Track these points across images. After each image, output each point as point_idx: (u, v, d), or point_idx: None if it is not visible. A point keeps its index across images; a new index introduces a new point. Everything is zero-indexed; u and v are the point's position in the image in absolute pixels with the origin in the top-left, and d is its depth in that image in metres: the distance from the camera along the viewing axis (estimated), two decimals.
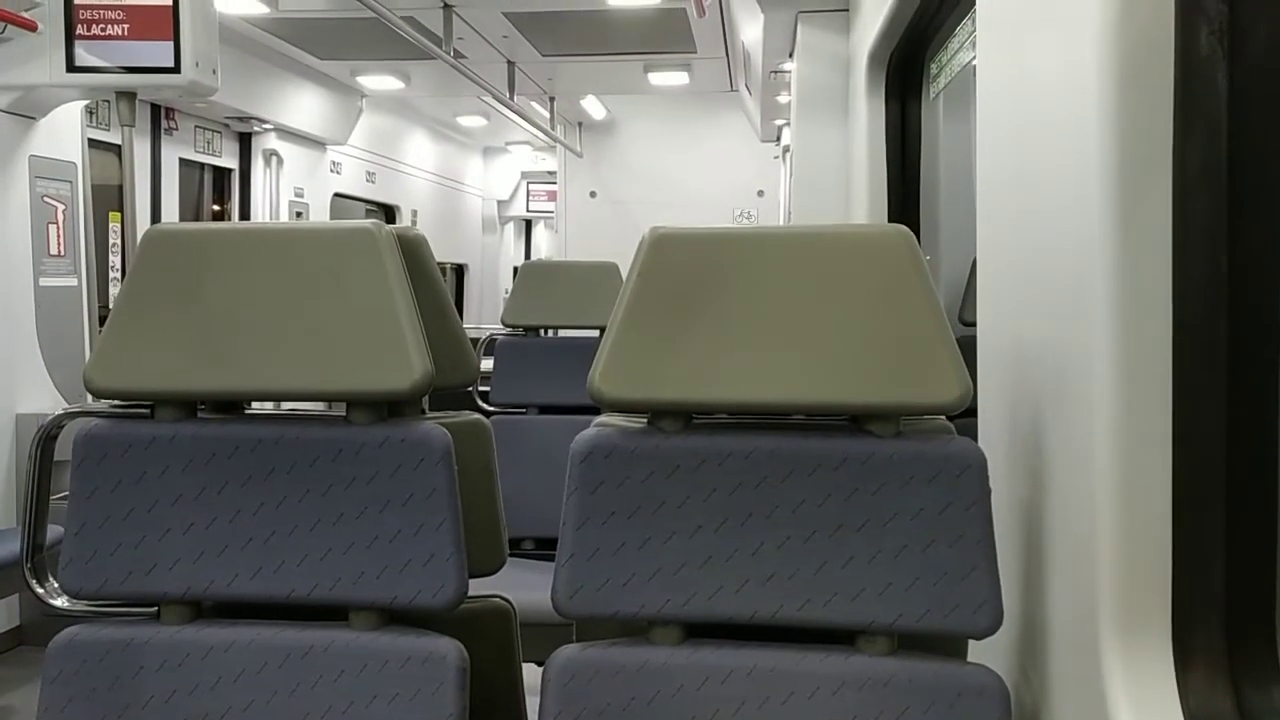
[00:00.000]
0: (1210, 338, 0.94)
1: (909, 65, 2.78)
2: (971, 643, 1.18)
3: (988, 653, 1.20)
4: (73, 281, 3.90)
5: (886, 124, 2.82)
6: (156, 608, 1.23)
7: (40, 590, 1.31)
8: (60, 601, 1.28)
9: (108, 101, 4.83)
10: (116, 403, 1.24)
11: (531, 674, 1.39)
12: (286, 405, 1.54)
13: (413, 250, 1.31)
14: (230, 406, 1.30)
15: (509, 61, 6.15)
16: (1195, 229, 0.94)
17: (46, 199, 3.78)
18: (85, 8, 3.40)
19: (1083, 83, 1.00)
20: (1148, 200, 0.94)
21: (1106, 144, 0.95)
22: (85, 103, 3.96)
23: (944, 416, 1.18)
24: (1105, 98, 0.95)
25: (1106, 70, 0.95)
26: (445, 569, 1.17)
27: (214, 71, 3.52)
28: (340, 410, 1.23)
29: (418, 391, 1.17)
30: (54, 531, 1.27)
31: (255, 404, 1.33)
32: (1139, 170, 0.94)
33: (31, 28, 3.39)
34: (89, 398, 1.27)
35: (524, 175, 11.66)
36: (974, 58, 2.01)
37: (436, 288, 1.36)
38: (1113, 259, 0.95)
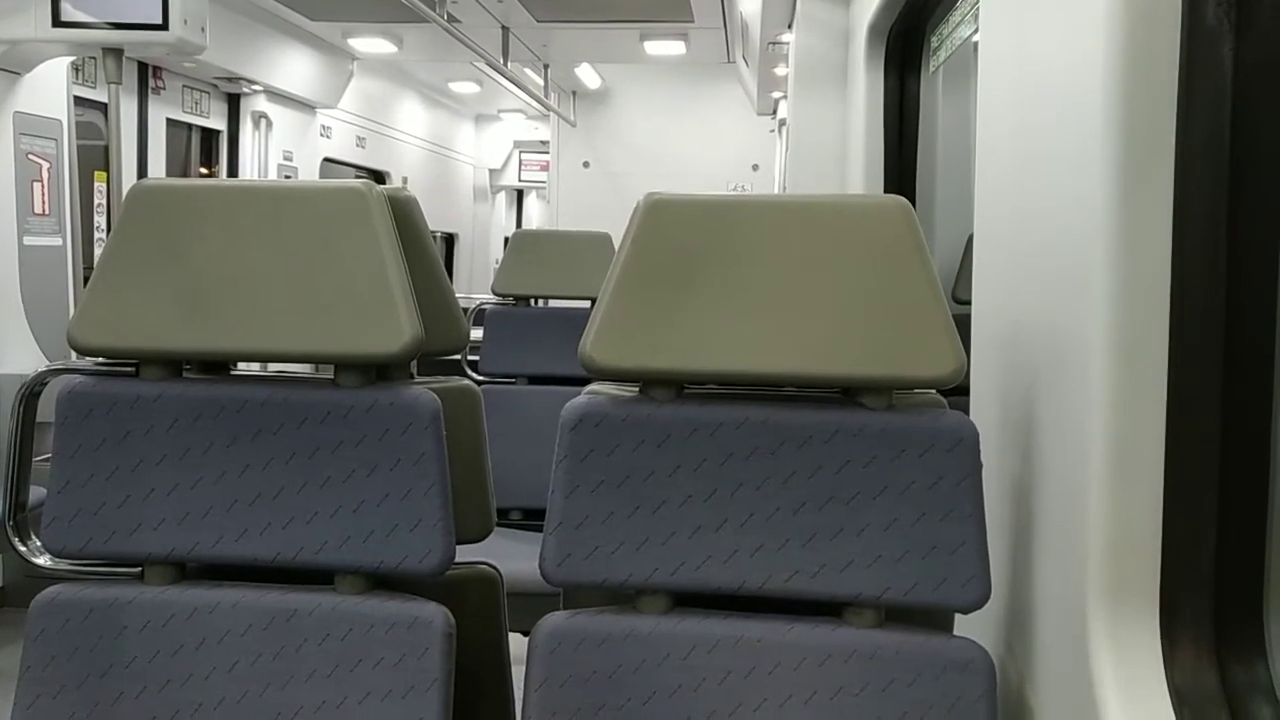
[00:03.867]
0: (1208, 317, 0.94)
1: (909, 38, 2.75)
2: (958, 617, 1.19)
3: (974, 627, 1.20)
4: (57, 241, 3.85)
5: (885, 98, 2.80)
6: (140, 568, 1.22)
7: (22, 549, 1.29)
8: (43, 560, 1.27)
9: (94, 58, 4.75)
10: (101, 360, 1.22)
11: (516, 644, 1.39)
12: (273, 366, 1.52)
13: (404, 212, 1.29)
14: (216, 366, 1.28)
15: (503, 26, 6.07)
16: (1196, 206, 0.93)
17: (31, 156, 3.72)
18: None
19: (1086, 56, 0.98)
20: (1149, 177, 0.93)
21: (1109, 119, 0.94)
22: (71, 59, 3.89)
23: (936, 391, 1.18)
24: (1109, 72, 0.94)
25: (1111, 44, 0.94)
26: (432, 534, 1.16)
27: (202, 29, 3.45)
28: (328, 373, 1.22)
29: (407, 355, 1.15)
30: (37, 494, 1.26)
31: (242, 364, 1.32)
32: (1141, 146, 0.93)
33: None
34: (73, 356, 1.25)
35: (516, 144, 11.56)
36: (975, 31, 1.99)
37: (427, 251, 1.34)
38: (1112, 236, 0.94)
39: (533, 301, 3.10)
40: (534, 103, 8.02)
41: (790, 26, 3.88)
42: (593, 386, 1.19)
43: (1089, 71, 0.97)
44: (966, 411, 1.36)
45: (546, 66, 7.26)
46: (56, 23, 3.35)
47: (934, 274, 1.09)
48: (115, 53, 3.46)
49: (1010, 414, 1.25)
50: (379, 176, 8.27)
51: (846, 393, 1.16)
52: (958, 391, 1.21)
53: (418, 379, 1.31)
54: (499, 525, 1.48)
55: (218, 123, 6.13)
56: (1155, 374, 0.94)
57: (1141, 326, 0.94)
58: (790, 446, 1.10)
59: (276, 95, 6.29)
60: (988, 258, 1.40)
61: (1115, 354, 0.95)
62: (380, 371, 1.22)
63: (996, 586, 1.13)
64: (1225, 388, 0.95)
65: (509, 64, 6.35)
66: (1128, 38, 0.92)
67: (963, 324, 1.34)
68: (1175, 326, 0.94)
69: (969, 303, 1.47)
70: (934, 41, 2.61)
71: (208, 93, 5.98)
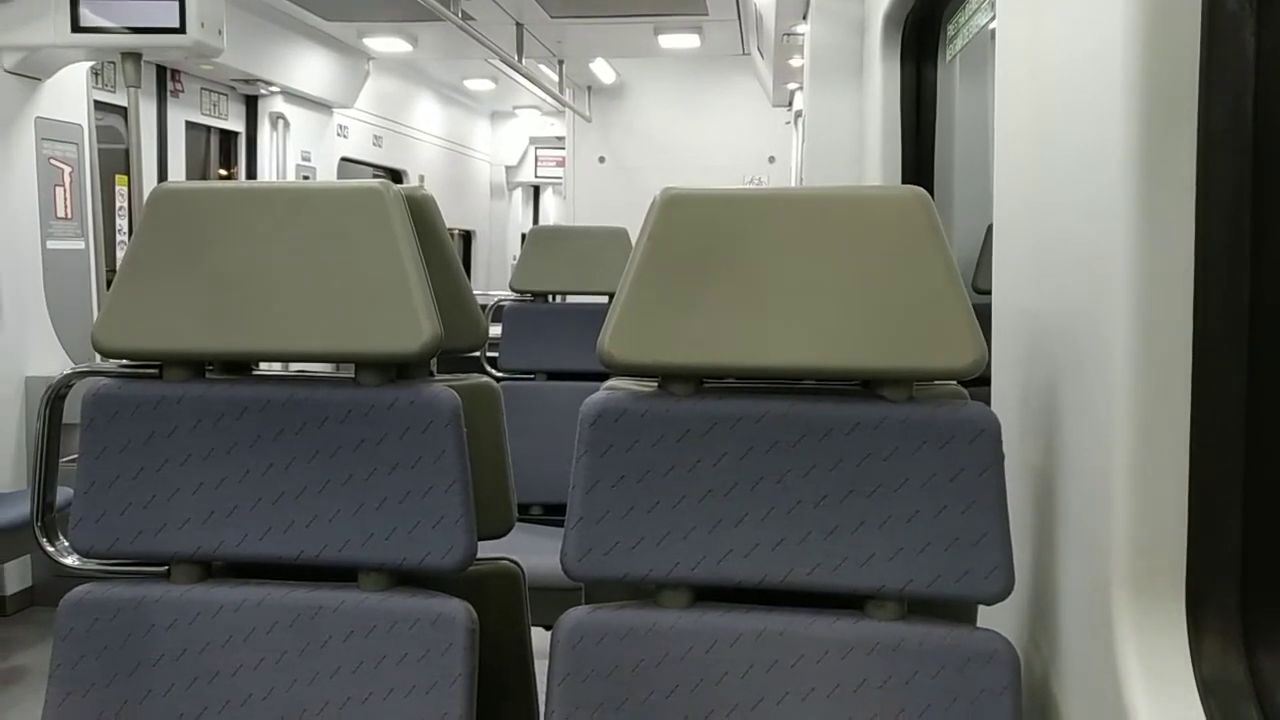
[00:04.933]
0: (1231, 305, 0.93)
1: (925, 27, 2.73)
2: (981, 609, 1.18)
3: (997, 619, 1.20)
4: (80, 244, 3.89)
5: (901, 88, 2.78)
6: (166, 567, 1.23)
7: (50, 549, 1.31)
8: (70, 560, 1.28)
9: (113, 63, 4.79)
10: (125, 363, 1.23)
11: (538, 638, 1.39)
12: (294, 366, 1.53)
13: (421, 211, 1.29)
14: (238, 367, 1.29)
15: (517, 23, 6.08)
16: (1218, 194, 0.92)
17: (53, 161, 3.76)
18: None
19: (1106, 43, 0.97)
20: (1170, 165, 0.92)
21: (1130, 106, 0.93)
22: (91, 64, 3.93)
23: (957, 382, 1.17)
24: (1129, 58, 0.93)
25: (1131, 30, 0.93)
26: (454, 531, 1.17)
27: (219, 32, 3.48)
28: (348, 372, 1.23)
29: (426, 353, 1.16)
30: (65, 494, 1.27)
31: (264, 365, 1.33)
32: (1162, 134, 0.92)
33: None
34: (97, 358, 1.27)
35: (532, 140, 11.59)
36: (992, 19, 1.97)
37: (445, 249, 1.34)
38: (1134, 224, 0.93)
39: (550, 297, 3.10)
40: (549, 99, 8.03)
41: (805, 17, 3.86)
42: (612, 382, 1.19)
43: (1109, 58, 0.96)
44: (987, 403, 1.36)
45: (561, 62, 7.26)
46: (76, 28, 3.39)
47: (954, 265, 1.09)
48: (134, 57, 3.50)
49: (1032, 405, 1.24)
50: (396, 175, 8.31)
51: (866, 385, 1.16)
52: (978, 383, 1.21)
53: (437, 376, 1.31)
54: (519, 521, 1.49)
55: (236, 124, 6.17)
56: (1179, 362, 0.93)
57: (1165, 315, 0.93)
58: (810, 440, 1.10)
59: (293, 96, 6.33)
60: (1008, 248, 1.39)
61: (1139, 343, 0.94)
62: (400, 370, 1.23)
63: (1020, 578, 1.13)
64: (1250, 376, 0.94)
65: (524, 60, 6.36)
66: (1148, 23, 0.91)
67: (982, 314, 1.33)
68: (1199, 314, 0.93)
69: (989, 293, 1.46)
70: (950, 30, 2.59)
71: (225, 95, 6.03)
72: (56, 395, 1.29)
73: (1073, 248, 1.08)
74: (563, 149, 9.47)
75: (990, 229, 1.50)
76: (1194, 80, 0.91)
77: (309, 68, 6.26)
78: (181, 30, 3.34)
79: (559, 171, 10.91)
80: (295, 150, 6.45)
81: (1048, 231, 1.19)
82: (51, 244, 3.75)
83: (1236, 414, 0.94)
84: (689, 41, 6.64)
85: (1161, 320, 0.93)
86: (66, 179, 3.82)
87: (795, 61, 5.25)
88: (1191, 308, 0.93)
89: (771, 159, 8.26)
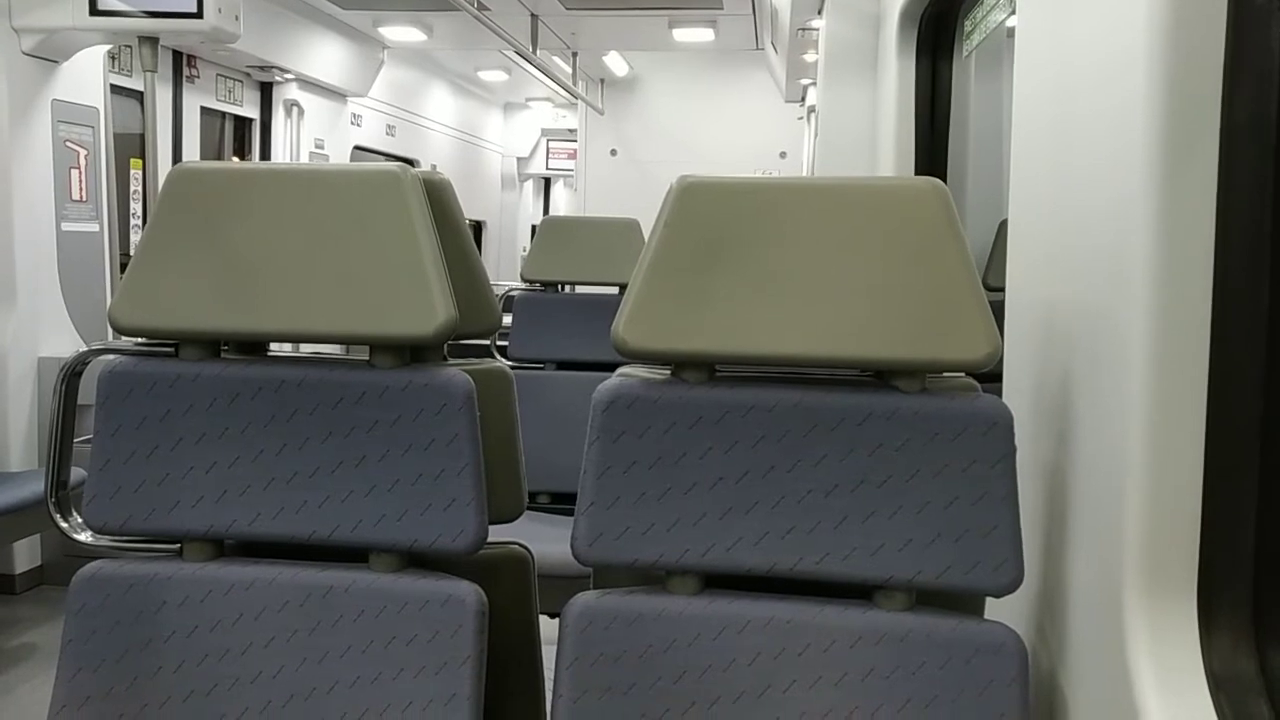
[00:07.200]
0: (1251, 301, 0.93)
1: (942, 23, 2.72)
2: (989, 601, 1.18)
3: (1005, 611, 1.20)
4: (94, 227, 3.91)
5: (916, 84, 2.77)
6: (179, 545, 1.24)
7: (64, 525, 1.32)
8: (84, 536, 1.29)
9: (129, 47, 4.81)
10: (141, 341, 1.24)
11: (546, 626, 1.40)
12: (306, 348, 1.54)
13: (438, 195, 1.30)
14: (254, 347, 1.30)
15: (532, 14, 6.07)
16: (1240, 189, 0.92)
17: (69, 144, 3.78)
18: None
19: (1129, 37, 0.97)
20: (1192, 159, 0.92)
21: (1152, 100, 0.93)
22: (108, 48, 3.95)
23: (969, 375, 1.17)
24: (1153, 51, 0.92)
25: (1156, 25, 0.92)
26: (465, 514, 1.17)
27: (236, 18, 3.49)
28: (360, 354, 1.23)
29: (441, 336, 1.16)
30: (78, 475, 1.28)
31: (278, 346, 1.33)
32: (1185, 128, 0.92)
33: None
34: (111, 335, 1.28)
35: (544, 132, 11.58)
36: (1010, 15, 1.97)
37: (461, 234, 1.35)
38: (1154, 219, 0.93)
39: (560, 288, 3.11)
40: (562, 91, 8.02)
41: (820, 12, 3.85)
42: (624, 369, 1.19)
43: (1132, 54, 0.96)
44: (999, 397, 1.35)
45: (575, 54, 7.26)
46: (94, 11, 3.40)
47: (969, 257, 1.09)
48: (151, 41, 3.51)
49: (1045, 399, 1.24)
50: (409, 164, 8.31)
51: (880, 376, 1.16)
52: (989, 378, 1.21)
53: (450, 361, 1.32)
54: (528, 508, 1.49)
55: (250, 111, 6.19)
56: (1196, 359, 0.93)
57: (1183, 311, 0.93)
58: (822, 429, 1.10)
59: (308, 83, 6.34)
60: (1023, 242, 1.38)
61: (1156, 339, 0.94)
62: (414, 353, 1.23)
63: (1029, 571, 1.13)
64: (1267, 373, 0.93)
65: (538, 52, 6.35)
66: (1173, 19, 0.91)
67: (994, 311, 1.33)
68: (1217, 311, 0.93)
69: (999, 289, 1.46)
70: (967, 26, 2.58)
71: (241, 81, 6.04)
72: (73, 372, 1.30)
73: (1091, 244, 1.08)
74: (574, 141, 9.46)
75: (1001, 226, 1.50)
76: (1218, 76, 0.90)
77: (324, 56, 6.27)
78: (199, 15, 3.35)
79: (570, 164, 10.91)
80: (309, 137, 6.46)
81: (1065, 227, 1.18)
82: (66, 226, 3.77)
83: (1252, 411, 0.94)
84: (703, 35, 6.63)
85: (1179, 317, 0.93)
86: (82, 162, 3.83)
87: (809, 56, 5.24)
88: (1210, 305, 0.92)
89: (783, 154, 8.24)
